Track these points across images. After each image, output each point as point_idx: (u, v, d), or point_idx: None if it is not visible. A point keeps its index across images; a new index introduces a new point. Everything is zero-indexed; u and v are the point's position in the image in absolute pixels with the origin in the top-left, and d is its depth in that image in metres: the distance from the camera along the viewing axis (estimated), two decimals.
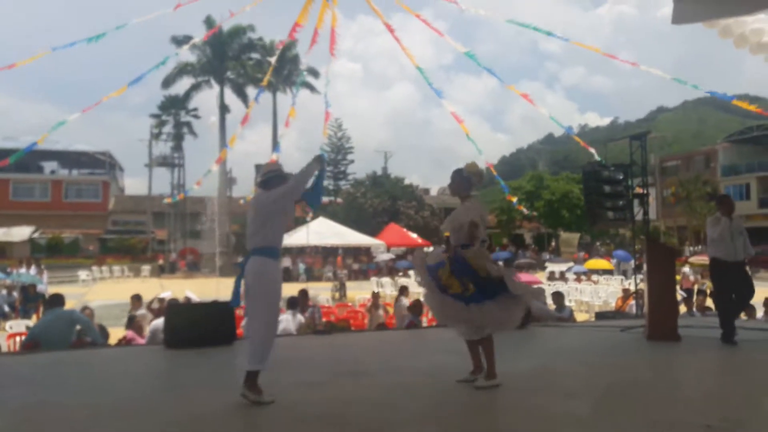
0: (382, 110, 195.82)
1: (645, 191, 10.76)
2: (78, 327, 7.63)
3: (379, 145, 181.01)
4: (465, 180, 4.97)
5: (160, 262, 39.03)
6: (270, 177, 4.59)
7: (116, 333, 9.88)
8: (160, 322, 7.94)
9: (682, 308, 10.65)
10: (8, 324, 13.38)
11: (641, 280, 10.21)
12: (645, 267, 7.95)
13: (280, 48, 17.02)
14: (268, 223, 4.46)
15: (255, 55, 42.73)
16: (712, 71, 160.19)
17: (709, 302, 14.85)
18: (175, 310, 7.58)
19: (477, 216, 4.75)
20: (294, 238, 31.06)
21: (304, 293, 10.86)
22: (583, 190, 11.29)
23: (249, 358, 4.27)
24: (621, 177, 10.39)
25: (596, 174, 10.26)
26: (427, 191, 59.14)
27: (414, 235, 35.84)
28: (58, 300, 7.79)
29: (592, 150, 13.94)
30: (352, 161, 56.65)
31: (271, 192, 4.50)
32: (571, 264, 31.45)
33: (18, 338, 9.03)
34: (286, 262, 33.37)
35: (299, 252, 34.27)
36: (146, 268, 36.83)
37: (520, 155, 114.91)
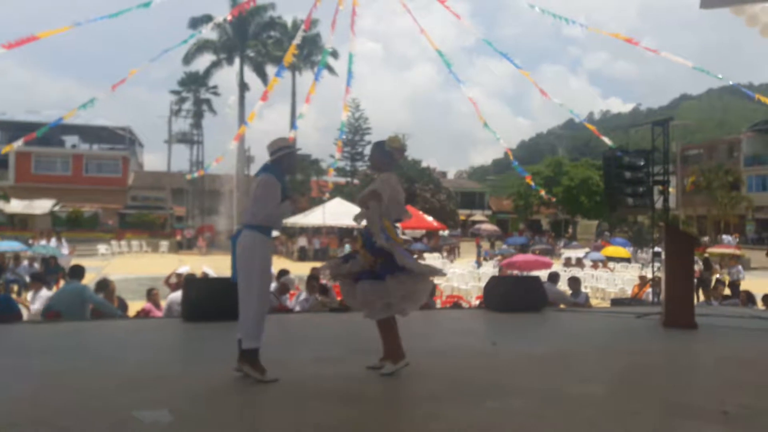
0: (402, 91, 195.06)
1: (665, 179, 10.62)
2: (91, 306, 7.58)
3: (398, 127, 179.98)
4: (386, 154, 4.73)
5: (178, 238, 39.41)
6: (280, 154, 4.55)
7: (134, 306, 10.02)
8: (177, 295, 8.04)
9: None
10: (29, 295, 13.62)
11: (658, 268, 10.11)
12: (663, 254, 7.87)
13: (307, 27, 16.85)
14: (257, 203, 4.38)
15: (275, 34, 42.68)
16: (740, 59, 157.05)
17: (728, 291, 14.83)
18: (192, 284, 7.68)
19: (383, 188, 4.53)
20: (310, 218, 31.18)
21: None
22: (604, 175, 11.17)
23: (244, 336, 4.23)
24: (642, 163, 10.26)
25: (617, 159, 10.14)
26: (444, 174, 58.93)
27: (430, 218, 35.78)
28: (77, 272, 7.86)
29: (606, 139, 13.82)
30: (369, 142, 56.39)
31: (261, 182, 4.41)
32: (587, 250, 31.22)
33: None
34: (302, 241, 33.60)
35: (315, 232, 34.42)
36: (164, 244, 37.24)
37: (539, 140, 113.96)
